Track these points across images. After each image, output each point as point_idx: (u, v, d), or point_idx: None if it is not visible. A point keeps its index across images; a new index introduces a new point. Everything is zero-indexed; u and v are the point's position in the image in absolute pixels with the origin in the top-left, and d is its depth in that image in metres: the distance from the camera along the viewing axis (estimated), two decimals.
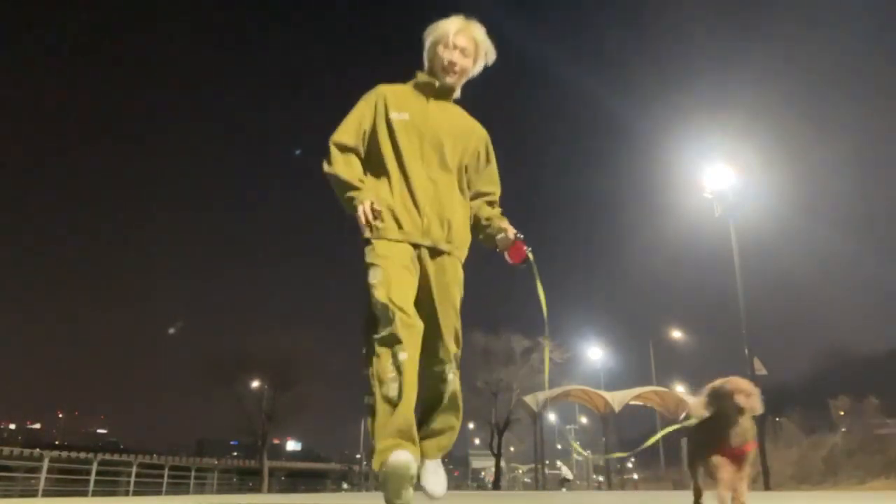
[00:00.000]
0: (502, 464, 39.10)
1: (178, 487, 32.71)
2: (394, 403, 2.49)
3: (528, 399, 30.34)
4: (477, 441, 64.35)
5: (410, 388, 2.53)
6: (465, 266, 3.00)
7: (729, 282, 18.79)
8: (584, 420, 61.38)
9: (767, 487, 16.77)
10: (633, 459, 74.37)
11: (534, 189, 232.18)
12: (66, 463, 28.40)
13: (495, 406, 33.62)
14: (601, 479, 41.35)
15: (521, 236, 3.00)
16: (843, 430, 21.04)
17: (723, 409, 2.85)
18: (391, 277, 2.64)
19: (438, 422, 2.85)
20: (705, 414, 3.04)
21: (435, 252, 2.85)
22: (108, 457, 31.96)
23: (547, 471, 35.02)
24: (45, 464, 24.49)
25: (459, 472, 76.90)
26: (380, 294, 2.60)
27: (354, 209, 2.75)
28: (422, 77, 3.03)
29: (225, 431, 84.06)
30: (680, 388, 38.10)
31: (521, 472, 66.94)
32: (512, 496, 19.60)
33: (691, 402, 3.33)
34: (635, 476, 48.20)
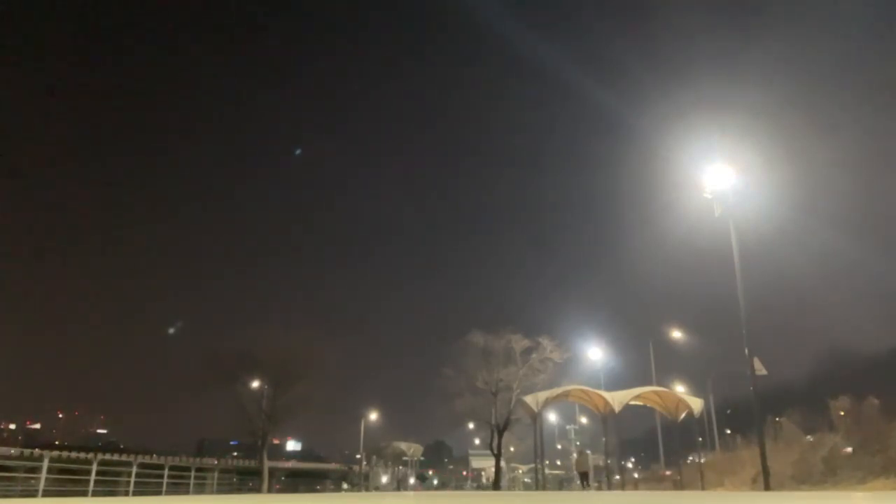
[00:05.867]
0: (502, 464, 39.07)
1: (178, 487, 32.71)
2: None
3: (528, 399, 30.30)
4: (477, 441, 64.31)
5: None
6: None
7: (729, 282, 18.81)
8: (584, 420, 61.38)
9: (767, 487, 16.77)
10: (633, 459, 74.49)
11: (533, 189, 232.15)
12: (66, 463, 28.40)
13: (495, 406, 33.57)
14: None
15: None
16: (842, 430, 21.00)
17: None
18: None
19: None
20: None
21: None
22: (108, 457, 31.99)
23: (547, 470, 34.95)
24: (45, 464, 24.49)
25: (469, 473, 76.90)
26: None
27: None
28: None
29: (225, 431, 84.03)
30: (680, 388, 38.12)
31: (521, 472, 66.91)
32: (512, 496, 19.62)
33: None
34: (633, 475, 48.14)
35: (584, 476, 32.21)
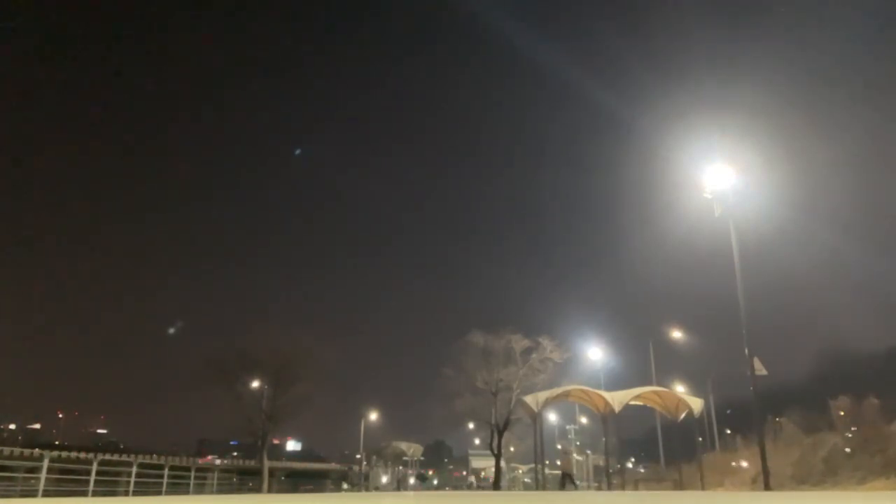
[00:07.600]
0: (502, 464, 39.06)
1: (178, 487, 32.67)
2: None
3: (528, 399, 30.30)
4: (477, 441, 64.32)
5: None
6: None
7: (729, 282, 18.81)
8: (584, 420, 61.38)
9: (767, 487, 16.77)
10: (633, 459, 74.42)
11: (533, 189, 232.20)
12: (66, 463, 28.38)
13: (495, 406, 33.56)
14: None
15: None
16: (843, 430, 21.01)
17: None
18: None
19: None
20: None
21: None
22: (108, 457, 31.99)
23: (547, 470, 34.93)
24: (45, 464, 24.45)
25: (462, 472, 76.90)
26: None
27: None
28: None
29: (225, 431, 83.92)
30: (680, 388, 38.12)
31: (520, 472, 66.93)
32: (512, 496, 19.59)
33: None
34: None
35: (568, 476, 32.26)
